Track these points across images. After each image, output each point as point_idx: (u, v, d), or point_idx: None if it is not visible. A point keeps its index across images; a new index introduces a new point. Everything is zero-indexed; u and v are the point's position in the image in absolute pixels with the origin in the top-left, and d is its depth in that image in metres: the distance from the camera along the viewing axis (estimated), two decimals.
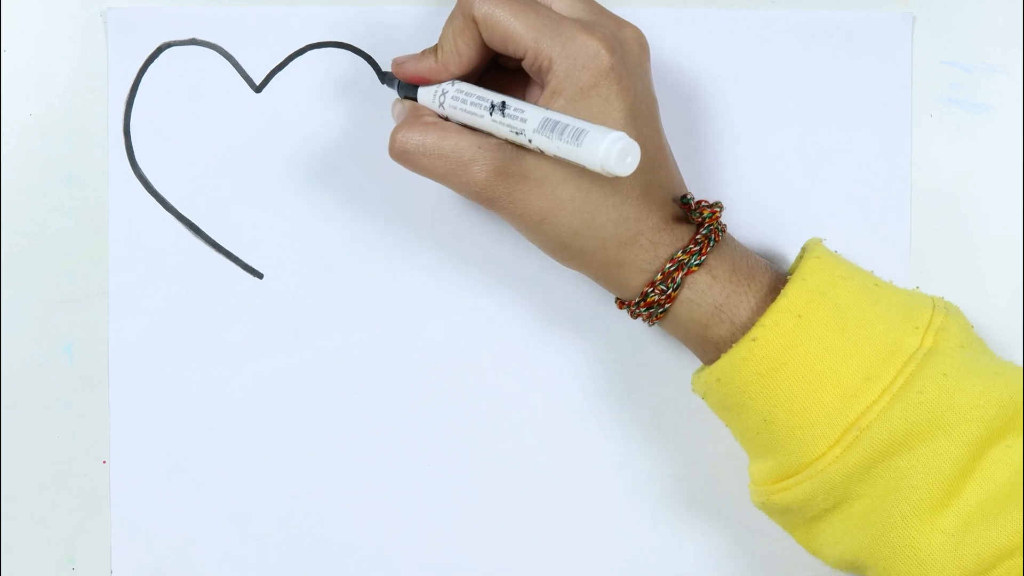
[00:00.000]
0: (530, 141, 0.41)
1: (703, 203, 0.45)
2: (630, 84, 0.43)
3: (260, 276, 0.51)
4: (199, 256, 0.51)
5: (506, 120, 0.42)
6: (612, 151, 0.38)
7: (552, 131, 0.40)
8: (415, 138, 0.44)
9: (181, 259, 0.51)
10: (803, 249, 0.46)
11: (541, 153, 0.42)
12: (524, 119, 0.42)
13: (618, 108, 0.42)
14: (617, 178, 0.42)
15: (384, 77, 0.49)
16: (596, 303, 0.51)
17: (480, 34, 0.44)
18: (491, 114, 0.43)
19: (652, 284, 0.44)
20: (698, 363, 0.47)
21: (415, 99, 0.47)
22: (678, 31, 0.51)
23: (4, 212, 0.51)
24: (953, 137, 0.52)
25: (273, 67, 0.51)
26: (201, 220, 0.51)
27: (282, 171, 0.51)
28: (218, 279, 0.51)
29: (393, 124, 0.46)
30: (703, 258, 0.43)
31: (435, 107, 0.46)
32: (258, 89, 0.51)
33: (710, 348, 0.45)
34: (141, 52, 0.50)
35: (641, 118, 0.43)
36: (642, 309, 0.44)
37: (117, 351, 0.51)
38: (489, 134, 0.44)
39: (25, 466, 0.51)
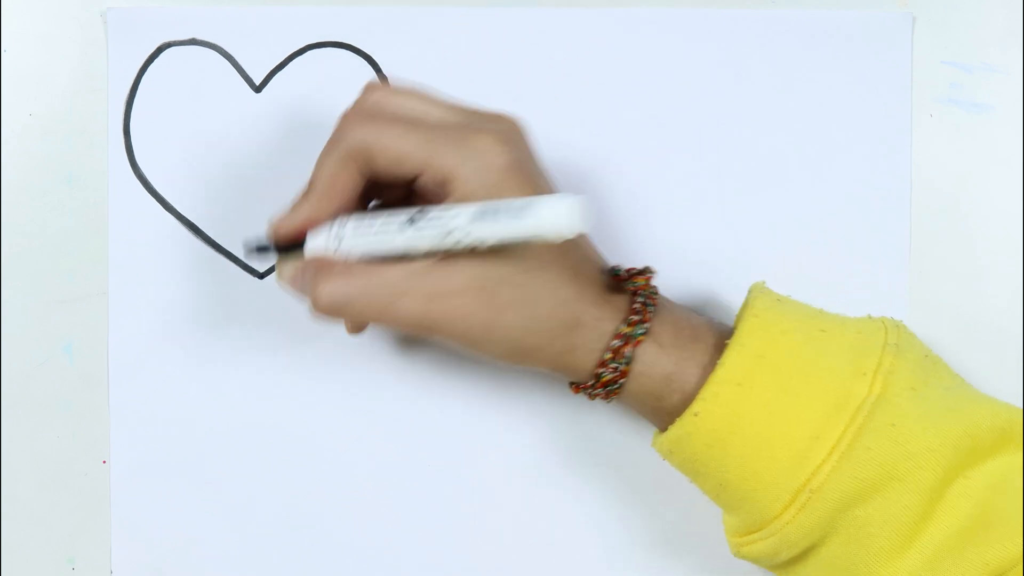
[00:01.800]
0: (468, 234, 0.39)
1: (632, 270, 0.44)
2: (531, 169, 0.42)
3: (260, 276, 0.51)
4: (199, 256, 0.51)
5: (430, 225, 0.40)
6: (564, 210, 0.37)
7: (493, 214, 0.38)
8: (341, 288, 0.41)
9: (181, 259, 0.51)
10: (744, 301, 0.45)
11: (472, 253, 0.40)
12: (454, 215, 0.39)
13: (530, 195, 0.41)
14: (549, 264, 0.41)
15: (253, 253, 0.45)
16: None
17: (363, 166, 0.42)
18: (410, 226, 0.40)
19: (603, 363, 0.43)
20: None
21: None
22: (678, 31, 0.51)
23: (4, 212, 0.51)
24: (953, 137, 0.52)
25: (273, 67, 0.51)
26: (201, 220, 0.51)
27: (282, 171, 0.51)
28: (218, 279, 0.51)
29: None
30: (646, 326, 0.42)
31: (330, 254, 0.42)
32: (258, 89, 0.51)
33: (665, 417, 0.44)
34: (141, 52, 0.50)
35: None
36: (599, 390, 0.43)
37: (117, 351, 0.51)
38: (412, 261, 0.41)
39: (25, 466, 0.51)
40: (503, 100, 0.51)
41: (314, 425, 0.51)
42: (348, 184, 0.42)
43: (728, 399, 0.41)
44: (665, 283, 0.52)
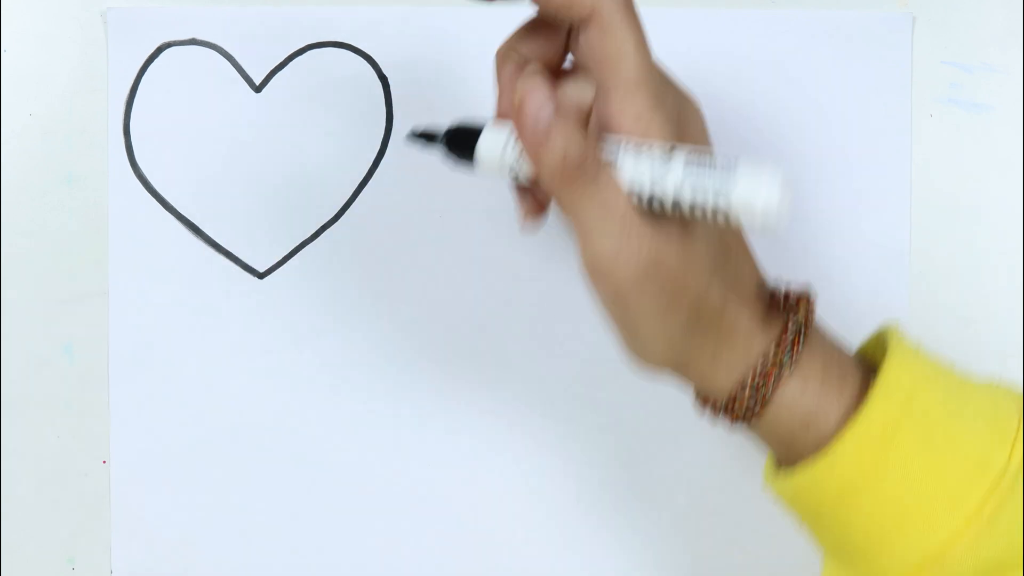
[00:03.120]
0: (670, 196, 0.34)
1: (790, 293, 0.39)
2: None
3: (260, 276, 0.51)
4: (199, 256, 0.51)
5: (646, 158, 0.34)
6: (775, 189, 0.32)
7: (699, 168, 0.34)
8: (626, 248, 0.35)
9: (181, 259, 0.51)
10: (882, 337, 0.41)
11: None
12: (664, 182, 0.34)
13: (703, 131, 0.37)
14: (717, 267, 0.36)
15: (417, 137, 0.39)
16: None
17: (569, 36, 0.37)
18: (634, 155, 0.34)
19: (743, 385, 0.38)
20: None
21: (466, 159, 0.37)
22: (678, 31, 0.51)
23: (4, 212, 0.51)
24: (953, 137, 0.52)
25: (273, 67, 0.51)
26: (201, 220, 0.51)
27: (282, 171, 0.51)
28: (218, 279, 0.51)
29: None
30: (795, 357, 0.38)
31: (503, 162, 0.36)
32: (258, 89, 0.51)
33: (793, 455, 0.39)
34: (141, 52, 0.50)
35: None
36: (728, 414, 0.39)
37: (117, 351, 0.51)
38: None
39: (25, 466, 0.51)
40: None
41: (314, 425, 0.51)
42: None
43: (869, 450, 0.38)
44: None
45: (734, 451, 0.51)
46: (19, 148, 0.51)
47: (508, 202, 0.51)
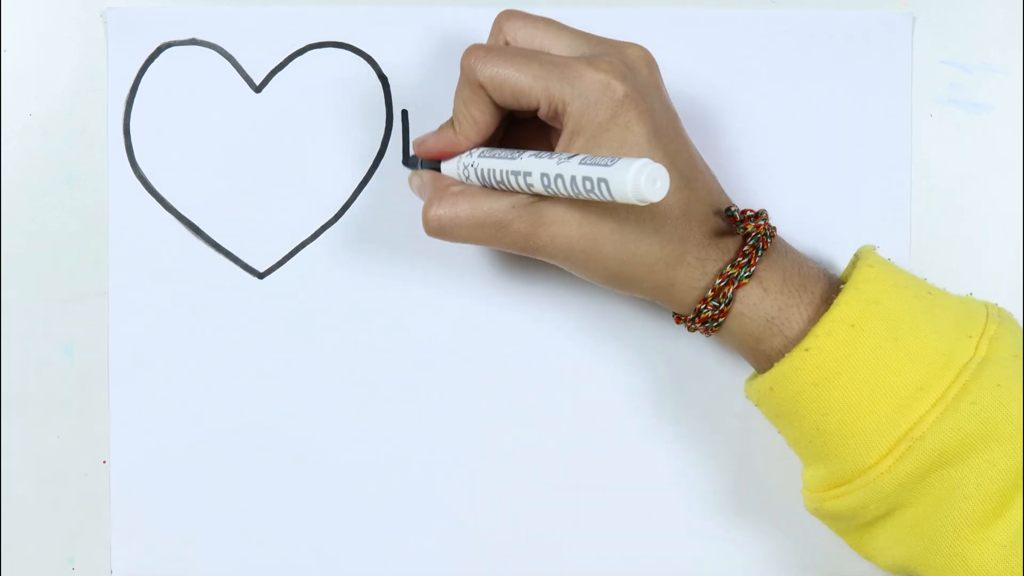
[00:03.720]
0: (567, 194, 0.41)
1: (747, 212, 0.44)
2: (647, 106, 0.43)
3: (260, 276, 0.51)
4: (199, 256, 0.51)
5: (535, 187, 0.42)
6: (640, 181, 0.38)
7: (581, 187, 0.40)
8: (447, 212, 0.44)
9: (181, 259, 0.51)
10: (856, 256, 0.46)
11: None
12: (550, 184, 0.41)
13: (640, 133, 0.42)
14: (647, 206, 0.42)
15: (407, 160, 0.50)
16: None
17: (490, 97, 0.44)
18: (519, 183, 0.43)
19: (704, 301, 0.44)
20: (749, 369, 0.48)
21: (437, 170, 0.48)
22: (678, 31, 0.51)
23: (4, 212, 0.51)
24: (953, 137, 0.52)
25: (273, 67, 0.51)
26: (201, 220, 0.51)
27: (282, 171, 0.51)
28: (218, 279, 0.51)
29: (414, 197, 0.48)
30: (752, 270, 0.43)
31: (460, 178, 0.46)
32: (258, 89, 0.51)
33: (762, 359, 0.45)
34: (141, 52, 0.50)
35: (665, 136, 0.43)
36: (697, 324, 0.45)
37: (117, 351, 0.51)
38: (519, 194, 0.44)
39: (25, 466, 0.51)
40: None
41: (314, 425, 0.51)
42: (481, 115, 0.45)
43: (840, 338, 0.42)
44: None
45: (733, 451, 0.51)
46: (19, 148, 0.51)
47: None
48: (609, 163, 0.39)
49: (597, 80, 0.42)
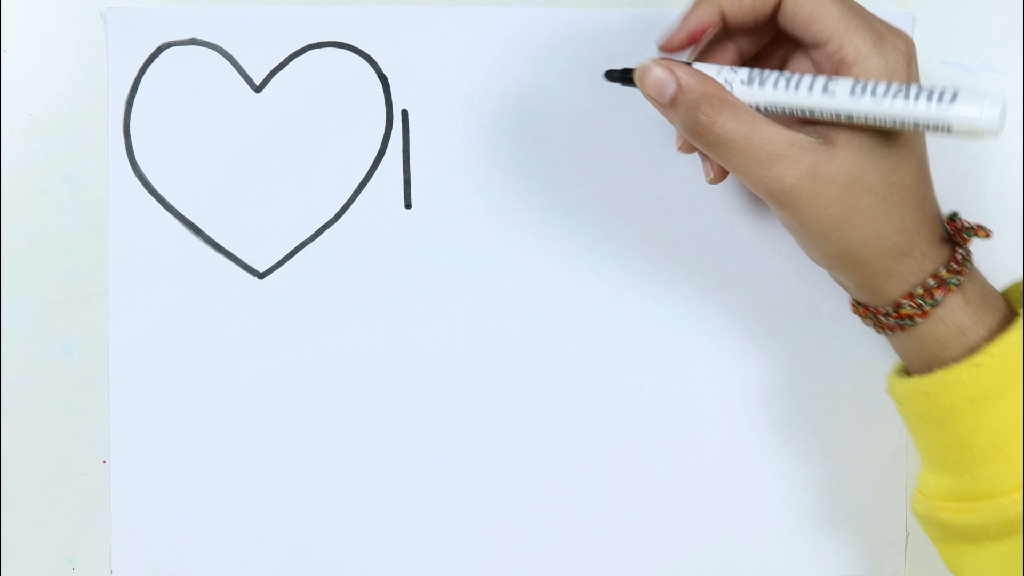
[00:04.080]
0: (870, 114, 0.39)
1: (966, 222, 0.44)
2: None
3: (260, 276, 0.51)
4: (199, 256, 0.51)
5: (838, 94, 0.40)
6: (997, 108, 0.37)
7: (915, 95, 0.38)
8: (728, 124, 0.41)
9: (181, 259, 0.51)
10: (1020, 285, 0.46)
11: (854, 147, 0.41)
12: (870, 90, 0.39)
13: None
14: (907, 188, 0.41)
15: (611, 74, 0.44)
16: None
17: (777, 6, 0.42)
18: (816, 88, 0.40)
19: (911, 297, 0.43)
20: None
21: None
22: None
23: (4, 212, 0.51)
24: (953, 137, 0.52)
25: (273, 67, 0.51)
26: (201, 220, 0.51)
27: (282, 171, 0.51)
28: (218, 279, 0.51)
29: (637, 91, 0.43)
30: (961, 279, 0.43)
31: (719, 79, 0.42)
32: (258, 89, 0.51)
33: (932, 362, 0.44)
34: (141, 52, 0.50)
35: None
36: (892, 319, 0.44)
37: (117, 351, 0.51)
38: (797, 131, 0.41)
39: (25, 466, 0.51)
40: (503, 100, 0.51)
41: (314, 425, 0.51)
42: (762, 8, 0.42)
43: (1012, 362, 0.42)
44: (666, 276, 0.52)
45: (733, 452, 0.52)
46: (19, 148, 0.51)
47: (507, 201, 0.51)
48: (946, 91, 0.38)
49: (898, 49, 0.41)
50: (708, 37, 0.44)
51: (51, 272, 0.51)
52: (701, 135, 0.41)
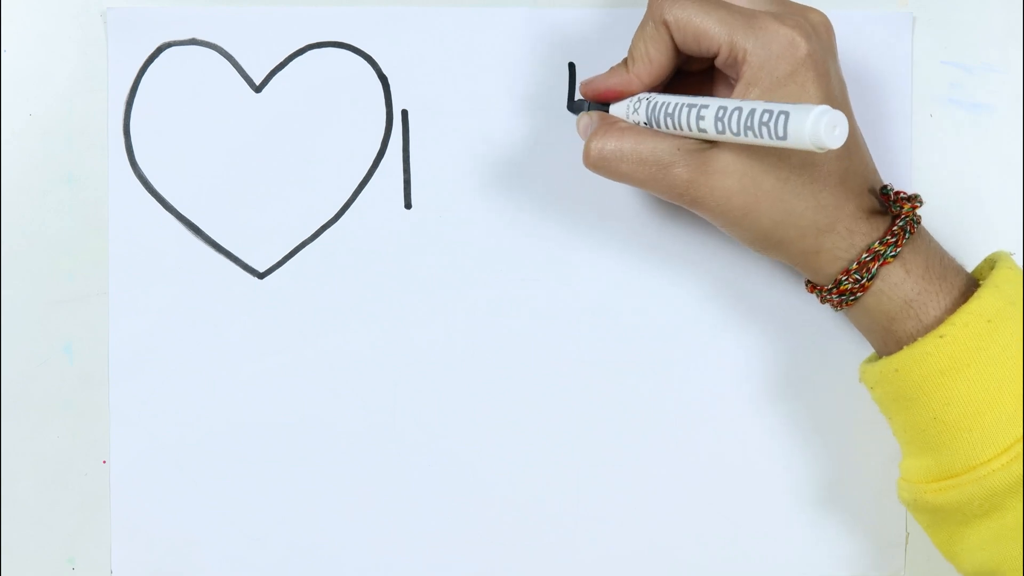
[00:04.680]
0: (736, 134, 0.41)
1: (901, 194, 0.45)
2: (824, 70, 0.43)
3: (260, 276, 0.51)
4: (199, 256, 0.51)
5: (706, 121, 0.42)
6: (820, 125, 0.37)
7: (757, 121, 0.39)
8: (611, 144, 0.44)
9: (181, 259, 0.51)
10: (993, 259, 0.46)
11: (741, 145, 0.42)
12: (723, 117, 0.41)
13: (815, 95, 0.42)
14: (816, 166, 0.42)
15: (572, 105, 0.50)
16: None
17: (671, 38, 0.44)
18: (690, 119, 0.42)
19: (847, 272, 0.44)
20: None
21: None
22: None
23: (4, 212, 0.51)
24: (953, 137, 0.52)
25: (273, 67, 0.51)
26: (201, 220, 0.51)
27: (282, 171, 0.51)
28: (218, 279, 0.51)
29: (577, 139, 0.48)
30: (898, 250, 0.43)
31: (627, 118, 0.46)
32: (258, 89, 0.51)
33: (891, 341, 0.45)
34: (141, 52, 0.50)
35: (836, 102, 0.43)
36: (834, 295, 0.45)
37: (117, 351, 0.51)
38: (684, 137, 0.43)
39: (25, 466, 0.51)
40: (503, 100, 0.51)
41: (314, 425, 0.51)
42: (658, 55, 0.45)
43: (976, 331, 0.42)
44: (666, 276, 0.52)
45: (733, 450, 0.52)
46: (19, 148, 0.51)
47: (507, 201, 0.51)
48: (790, 104, 0.39)
49: (783, 35, 0.42)
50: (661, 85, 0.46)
51: (51, 272, 0.51)
52: (594, 161, 0.45)
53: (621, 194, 0.51)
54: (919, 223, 0.45)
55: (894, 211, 0.45)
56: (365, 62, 0.51)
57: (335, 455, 0.51)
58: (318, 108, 0.51)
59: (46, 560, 0.51)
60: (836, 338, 0.51)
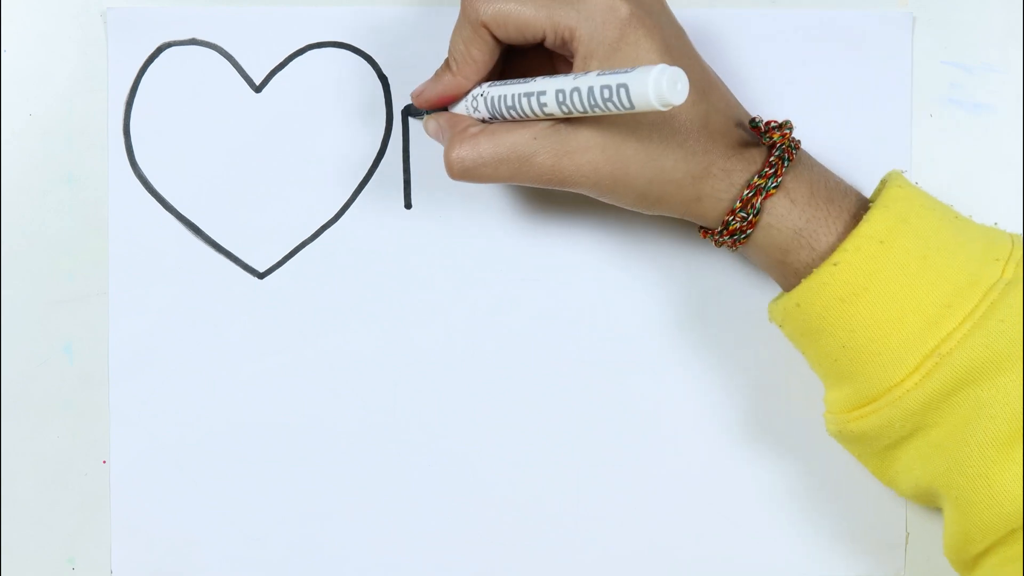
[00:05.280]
0: (584, 112, 0.41)
1: (771, 123, 0.45)
2: (653, 22, 0.43)
3: (260, 276, 0.51)
4: (199, 256, 0.51)
5: (549, 107, 0.42)
6: (662, 85, 0.38)
7: (599, 98, 0.39)
8: (469, 154, 0.44)
9: (181, 259, 0.51)
10: (884, 179, 0.46)
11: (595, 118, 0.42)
12: (565, 100, 0.41)
13: (651, 49, 0.42)
14: (675, 116, 0.42)
15: (410, 110, 0.50)
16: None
17: (491, 36, 0.44)
18: (532, 106, 0.42)
19: (732, 212, 0.44)
20: (770, 295, 0.48)
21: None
22: None
23: (4, 212, 0.51)
24: (953, 137, 0.52)
25: (273, 67, 0.51)
26: (201, 220, 0.51)
27: (282, 171, 0.51)
28: (218, 279, 0.51)
29: (433, 140, 0.48)
30: (779, 180, 0.43)
31: (468, 113, 0.46)
32: (258, 89, 0.51)
33: (790, 274, 0.45)
34: (141, 52, 0.50)
35: (676, 50, 0.43)
36: (725, 237, 0.45)
37: (117, 351, 0.51)
38: (536, 121, 0.43)
39: (25, 466, 0.51)
40: None
41: (314, 425, 0.51)
42: (481, 55, 0.44)
43: (869, 254, 0.42)
44: (666, 274, 0.52)
45: (733, 451, 0.52)
46: (19, 148, 0.51)
47: (508, 201, 0.51)
48: (627, 72, 0.39)
49: (600, 2, 0.42)
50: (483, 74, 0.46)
51: (51, 272, 0.51)
52: (459, 174, 0.44)
53: None
54: (797, 149, 0.44)
55: (766, 142, 0.44)
56: (365, 62, 0.51)
57: (335, 455, 0.51)
58: (318, 108, 0.51)
59: (46, 560, 0.51)
60: None
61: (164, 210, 0.51)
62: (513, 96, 0.43)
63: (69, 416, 0.51)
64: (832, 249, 0.43)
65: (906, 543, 0.52)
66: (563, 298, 0.51)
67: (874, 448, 0.45)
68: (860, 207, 0.44)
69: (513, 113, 0.43)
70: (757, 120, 0.45)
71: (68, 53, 0.51)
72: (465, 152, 0.44)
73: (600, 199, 0.45)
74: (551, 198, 0.51)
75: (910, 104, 0.51)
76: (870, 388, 0.43)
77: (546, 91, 0.42)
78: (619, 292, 0.51)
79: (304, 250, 0.51)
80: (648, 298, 0.51)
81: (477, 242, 0.51)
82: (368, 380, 0.51)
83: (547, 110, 0.42)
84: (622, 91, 0.38)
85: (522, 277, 0.51)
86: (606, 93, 0.39)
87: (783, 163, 0.43)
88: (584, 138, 0.43)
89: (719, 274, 0.51)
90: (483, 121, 0.45)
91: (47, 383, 0.51)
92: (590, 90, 0.40)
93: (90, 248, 0.51)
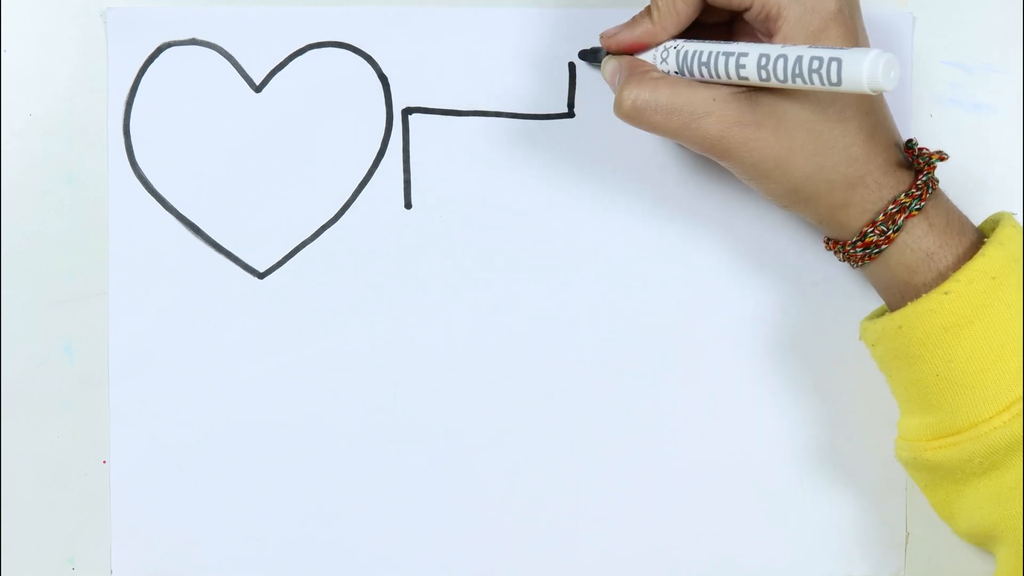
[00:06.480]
0: (783, 81, 0.40)
1: (925, 150, 0.45)
2: (852, 27, 0.43)
3: (260, 276, 0.51)
4: (199, 256, 0.51)
5: (747, 69, 0.41)
6: (877, 68, 0.37)
7: (806, 68, 0.39)
8: (645, 95, 0.43)
9: (181, 259, 0.51)
10: (996, 219, 0.46)
11: (778, 95, 0.42)
12: (767, 64, 0.41)
13: (848, 46, 0.42)
14: (848, 120, 0.42)
15: (587, 54, 0.50)
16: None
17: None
18: (727, 67, 0.42)
19: (873, 224, 0.44)
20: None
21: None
22: None
23: (4, 212, 0.51)
24: (953, 137, 0.52)
25: (273, 67, 0.51)
26: (201, 220, 0.51)
27: (282, 171, 0.51)
28: (218, 279, 0.51)
29: (606, 85, 0.47)
30: (923, 203, 0.43)
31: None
32: (258, 89, 0.51)
33: (909, 294, 0.44)
34: (141, 52, 0.50)
35: None
36: (858, 249, 0.45)
37: (117, 351, 0.51)
38: (720, 85, 0.43)
39: (25, 466, 0.51)
40: (503, 100, 0.51)
41: (314, 425, 0.51)
42: (686, 7, 0.44)
43: (980, 288, 0.42)
44: (666, 276, 0.52)
45: (733, 451, 0.52)
46: (19, 148, 0.51)
47: (507, 201, 0.51)
48: (842, 49, 0.38)
49: None
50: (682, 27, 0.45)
51: (51, 272, 0.51)
52: (627, 111, 0.44)
53: (621, 194, 0.51)
54: (938, 181, 0.45)
55: (919, 164, 0.45)
56: (365, 62, 0.51)
57: (335, 455, 0.51)
58: (318, 108, 0.51)
59: (46, 560, 0.51)
60: (837, 341, 0.51)
61: (164, 210, 0.51)
62: (710, 53, 0.42)
63: (69, 416, 0.51)
64: (946, 275, 0.43)
65: (906, 543, 0.52)
66: (563, 298, 0.51)
67: (945, 480, 0.45)
68: (976, 243, 0.44)
69: (704, 71, 0.43)
70: (913, 142, 0.46)
71: (68, 53, 0.51)
72: (642, 92, 0.43)
73: (751, 182, 0.45)
74: (551, 198, 0.51)
75: (910, 104, 0.51)
76: (957, 420, 0.43)
77: (748, 53, 0.41)
78: (619, 292, 0.51)
79: (304, 250, 0.51)
80: (648, 298, 0.51)
81: (477, 242, 0.51)
82: (368, 380, 0.51)
83: (743, 73, 0.41)
84: (834, 64, 0.38)
85: (522, 277, 0.51)
86: (815, 64, 0.39)
87: (928, 188, 0.44)
88: (762, 114, 0.42)
89: (718, 275, 0.51)
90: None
91: (47, 383, 0.51)
92: (798, 59, 0.39)
93: (90, 248, 0.51)
